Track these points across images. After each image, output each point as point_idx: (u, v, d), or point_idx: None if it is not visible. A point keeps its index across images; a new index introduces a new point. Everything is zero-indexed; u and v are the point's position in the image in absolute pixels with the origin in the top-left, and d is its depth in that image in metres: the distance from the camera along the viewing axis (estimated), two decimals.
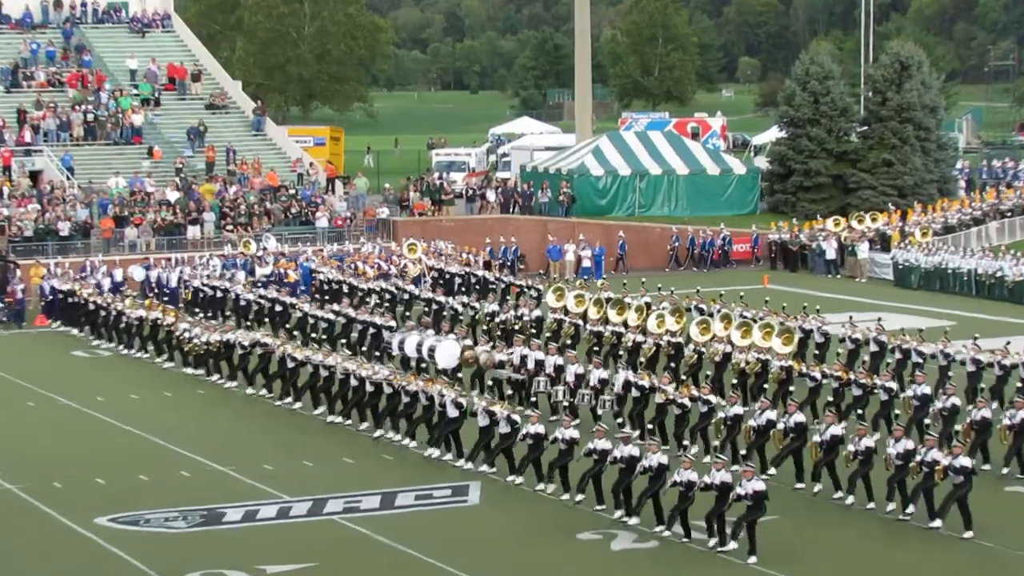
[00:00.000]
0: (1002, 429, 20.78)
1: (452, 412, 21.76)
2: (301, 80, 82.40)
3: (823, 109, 49.64)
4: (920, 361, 24.86)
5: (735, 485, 17.59)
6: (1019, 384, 22.36)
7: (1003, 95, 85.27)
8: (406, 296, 33.76)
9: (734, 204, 48.39)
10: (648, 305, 29.49)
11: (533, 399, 23.00)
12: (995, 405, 22.76)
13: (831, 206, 48.10)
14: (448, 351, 25.55)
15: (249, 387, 27.15)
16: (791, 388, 23.02)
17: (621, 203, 47.41)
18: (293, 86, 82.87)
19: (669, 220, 45.91)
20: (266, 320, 32.23)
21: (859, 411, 22.14)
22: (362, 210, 44.03)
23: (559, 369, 24.26)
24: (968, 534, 18.26)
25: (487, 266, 38.91)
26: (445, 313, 31.26)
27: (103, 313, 32.83)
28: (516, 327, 28.82)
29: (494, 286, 35.10)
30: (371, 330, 28.71)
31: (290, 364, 25.79)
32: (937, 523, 18.45)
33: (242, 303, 33.38)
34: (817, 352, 26.68)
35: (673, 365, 25.95)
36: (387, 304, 32.86)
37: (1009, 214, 46.42)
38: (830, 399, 21.93)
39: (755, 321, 27.17)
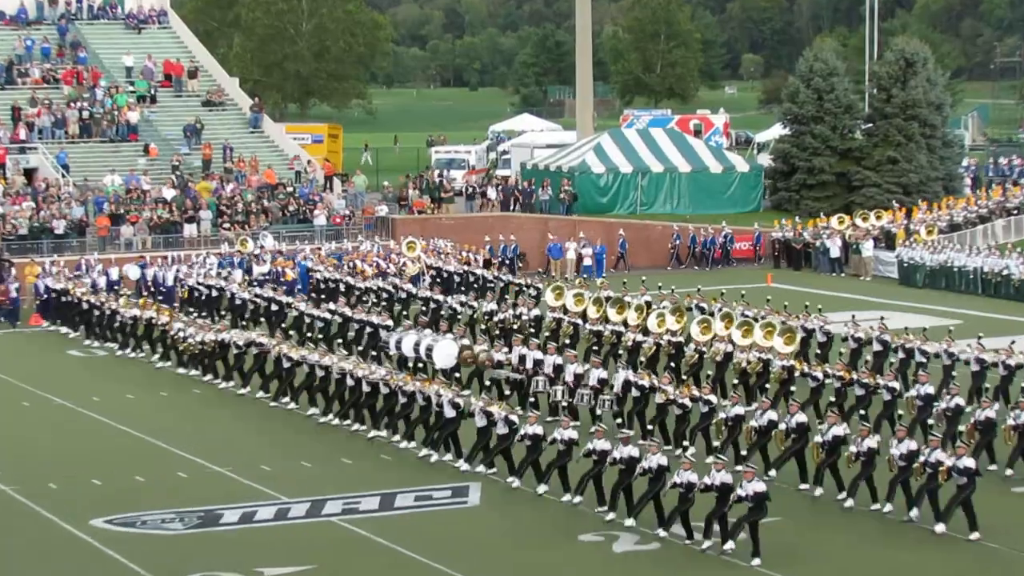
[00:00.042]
0: (1006, 429, 20.66)
1: (449, 412, 21.58)
2: (299, 77, 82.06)
3: (827, 106, 49.45)
4: (924, 360, 24.67)
5: (736, 486, 17.45)
6: None
7: (1009, 92, 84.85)
8: (403, 295, 33.54)
9: (737, 202, 48.21)
10: (648, 304, 29.30)
11: (532, 399, 22.87)
12: (998, 406, 22.32)
13: (835, 204, 47.94)
14: (445, 351, 25.40)
15: (242, 388, 26.94)
16: (792, 388, 22.89)
17: (623, 201, 47.24)
18: (291, 83, 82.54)
19: (671, 218, 45.75)
20: (261, 319, 32.00)
21: (861, 411, 21.97)
22: (361, 208, 43.87)
23: (558, 369, 24.10)
24: (975, 535, 18.15)
25: (487, 264, 38.64)
26: (443, 312, 31.02)
27: (97, 312, 32.62)
28: (514, 326, 28.64)
29: (492, 285, 34.83)
30: (368, 329, 28.53)
31: (286, 364, 25.59)
32: (941, 527, 18.28)
33: (237, 302, 33.15)
34: (819, 352, 26.49)
35: (673, 365, 25.75)
36: (384, 303, 32.65)
37: (1015, 212, 46.29)
38: (832, 399, 21.84)
39: (756, 320, 26.98)
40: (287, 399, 25.77)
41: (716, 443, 20.50)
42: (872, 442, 18.99)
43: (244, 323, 31.84)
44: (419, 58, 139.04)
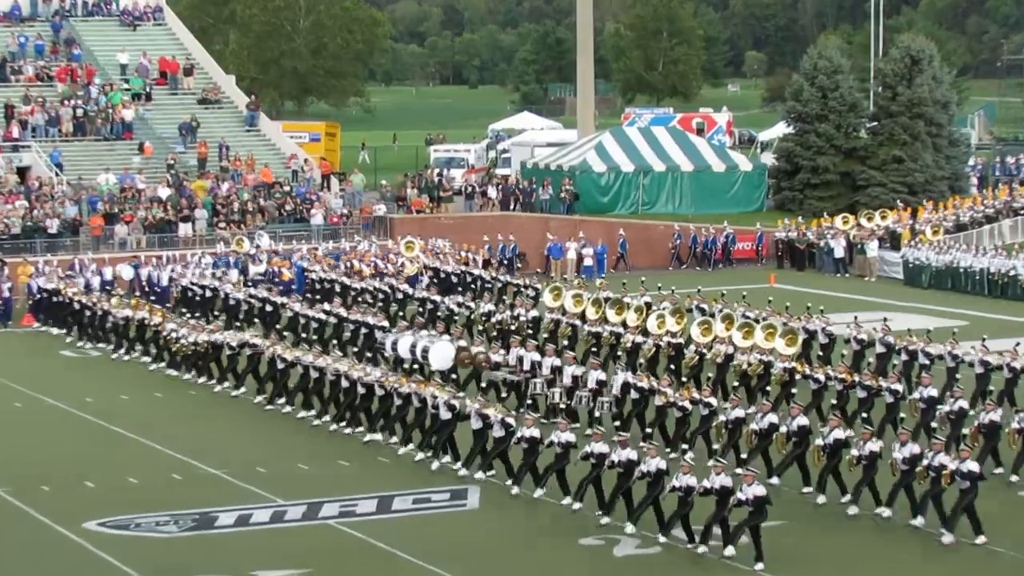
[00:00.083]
0: (1011, 433, 20.53)
1: (445, 415, 21.41)
2: (296, 74, 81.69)
3: (831, 104, 49.20)
4: (927, 363, 24.64)
5: (735, 489, 17.34)
6: None
7: (1016, 90, 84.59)
8: (400, 296, 33.30)
9: (740, 201, 47.94)
10: (648, 305, 29.18)
11: (529, 401, 22.80)
12: (1001, 411, 22.04)
13: (839, 204, 47.71)
14: (442, 352, 25.19)
15: (235, 389, 26.77)
16: (794, 390, 22.78)
17: (624, 200, 46.94)
18: (288, 80, 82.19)
19: (673, 218, 45.55)
20: (255, 320, 31.79)
21: (864, 414, 21.77)
22: (358, 207, 43.67)
23: (556, 370, 23.94)
24: (980, 539, 18.03)
25: (486, 264, 38.29)
26: (440, 313, 30.82)
27: (88, 313, 32.43)
28: (512, 327, 28.50)
29: (490, 285, 34.57)
30: (363, 330, 28.35)
31: (280, 365, 25.43)
32: (949, 539, 18.08)
33: (231, 302, 32.95)
34: (821, 353, 26.31)
35: (673, 367, 25.57)
36: (380, 304, 32.48)
37: (1023, 212, 46.09)
38: (834, 402, 21.84)
39: (758, 322, 26.83)
40: (282, 401, 25.54)
41: (716, 446, 20.35)
42: (874, 445, 18.86)
43: (238, 324, 31.52)
44: (418, 55, 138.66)
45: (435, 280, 36.20)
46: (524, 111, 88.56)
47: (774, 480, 20.09)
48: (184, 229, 40.31)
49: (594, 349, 26.76)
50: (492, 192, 46.31)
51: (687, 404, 21.40)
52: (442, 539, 18.53)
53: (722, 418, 20.95)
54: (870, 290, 39.06)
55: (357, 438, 23.27)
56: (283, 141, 48.15)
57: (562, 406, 23.31)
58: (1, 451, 23.26)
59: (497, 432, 20.43)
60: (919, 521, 18.47)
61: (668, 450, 21.35)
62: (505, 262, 40.17)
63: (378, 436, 22.89)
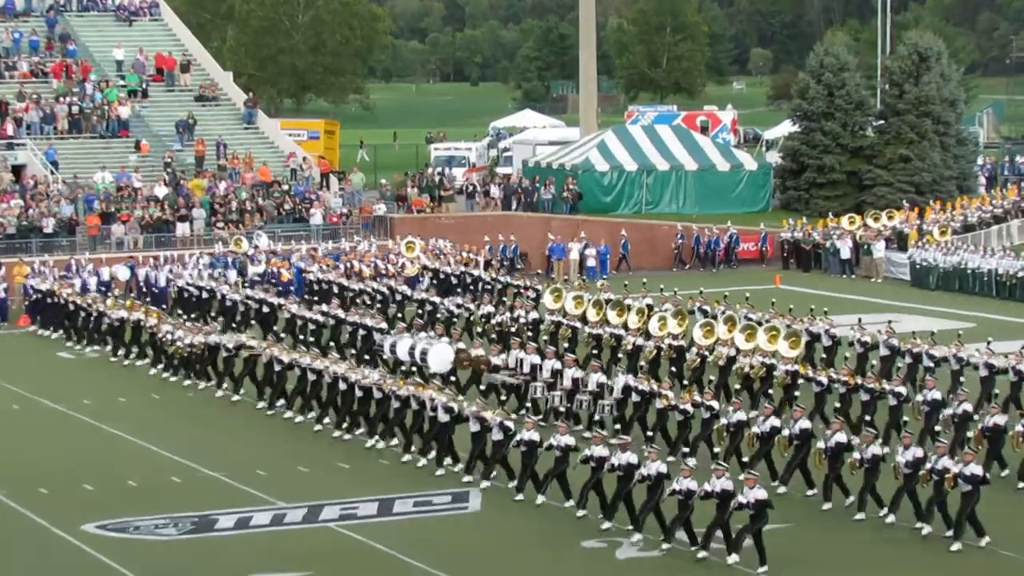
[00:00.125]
0: (1015, 436, 20.46)
1: (443, 417, 21.26)
2: (295, 71, 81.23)
3: (838, 102, 48.80)
4: (931, 365, 24.44)
5: (736, 493, 17.26)
6: None
7: None
8: (399, 297, 33.03)
9: (745, 201, 47.57)
10: (650, 307, 29.02)
11: (528, 404, 22.88)
12: (1006, 415, 21.92)
13: (846, 203, 47.35)
14: (441, 355, 24.96)
15: (235, 395, 26.54)
16: (796, 393, 22.68)
17: (627, 200, 46.59)
18: (286, 77, 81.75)
19: (677, 217, 45.27)
20: (253, 322, 31.55)
21: (867, 417, 21.82)
22: (358, 207, 43.31)
23: (557, 373, 23.76)
24: (984, 541, 18.01)
25: (487, 265, 37.87)
26: (439, 315, 30.56)
27: (83, 314, 32.19)
28: (512, 329, 28.32)
29: (490, 286, 34.23)
30: (361, 332, 28.10)
31: (277, 368, 25.25)
32: (957, 546, 17.98)
33: (228, 304, 32.65)
34: (824, 356, 26.08)
35: (674, 369, 25.35)
36: (379, 305, 32.26)
37: None
38: (838, 405, 21.77)
39: (760, 324, 26.60)
40: (282, 403, 25.33)
41: (717, 449, 20.30)
42: (877, 449, 18.82)
43: (235, 325, 31.23)
44: (418, 52, 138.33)
45: (434, 281, 35.84)
46: (526, 109, 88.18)
47: (782, 489, 19.97)
48: (182, 229, 40.03)
49: (595, 351, 26.70)
50: (495, 191, 45.87)
51: (688, 407, 21.32)
52: (443, 542, 18.51)
53: (723, 421, 20.83)
54: (876, 291, 38.85)
55: (358, 441, 23.11)
56: (281, 139, 47.92)
57: (562, 409, 23.17)
58: None
59: (496, 435, 20.35)
60: (927, 530, 18.37)
61: (670, 454, 21.16)
62: (505, 263, 39.79)
63: (380, 444, 22.67)
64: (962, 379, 23.62)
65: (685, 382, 24.33)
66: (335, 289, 33.62)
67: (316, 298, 32.53)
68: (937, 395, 21.81)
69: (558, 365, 23.89)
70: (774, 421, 20.21)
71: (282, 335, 28.05)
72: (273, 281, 35.86)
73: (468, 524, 19.38)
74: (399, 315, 31.73)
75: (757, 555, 17.19)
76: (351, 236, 40.76)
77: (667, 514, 17.97)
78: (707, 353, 25.56)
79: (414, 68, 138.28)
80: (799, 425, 19.77)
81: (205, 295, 33.51)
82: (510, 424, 20.45)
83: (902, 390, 22.08)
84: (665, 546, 17.83)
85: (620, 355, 26.35)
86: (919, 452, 18.54)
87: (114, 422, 24.91)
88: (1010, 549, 17.98)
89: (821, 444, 19.38)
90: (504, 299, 32.47)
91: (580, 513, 19.12)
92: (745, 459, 20.31)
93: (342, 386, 23.37)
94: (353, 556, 18.08)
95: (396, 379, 22.89)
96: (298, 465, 21.97)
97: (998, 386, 23.39)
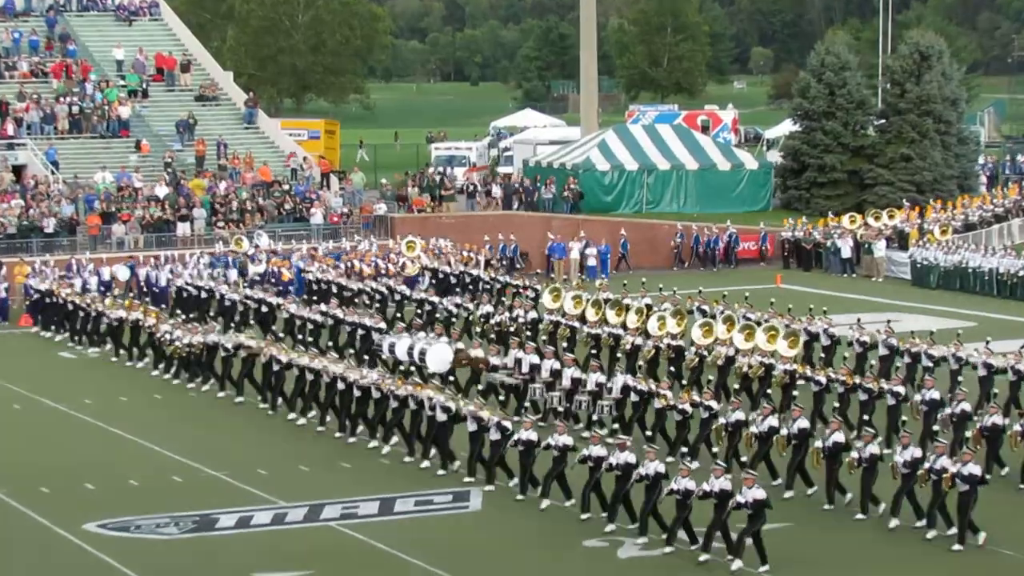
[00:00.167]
0: (1013, 435, 20.44)
1: (441, 416, 21.24)
2: (295, 71, 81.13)
3: (839, 102, 48.76)
4: (930, 365, 24.37)
5: (734, 493, 17.17)
6: None
7: None
8: (397, 297, 32.97)
9: (745, 200, 47.51)
10: (649, 306, 28.94)
11: (527, 404, 22.82)
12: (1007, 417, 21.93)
13: (846, 203, 47.31)
14: (440, 355, 24.84)
15: (238, 396, 26.45)
16: (795, 393, 22.59)
17: (628, 199, 46.54)
18: (286, 77, 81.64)
19: (678, 217, 45.20)
20: (251, 322, 31.49)
21: (865, 416, 21.81)
22: (359, 206, 43.22)
23: (556, 373, 23.72)
24: (981, 537, 18.00)
25: (487, 265, 37.87)
26: (438, 315, 30.50)
27: (82, 314, 32.13)
28: (511, 329, 28.23)
29: (489, 286, 34.19)
30: (360, 332, 28.04)
31: (275, 367, 25.17)
32: (959, 547, 17.96)
33: (227, 303, 32.60)
34: (823, 355, 25.99)
35: (673, 369, 25.31)
36: (378, 305, 32.17)
37: None
38: (836, 405, 21.73)
39: (759, 324, 26.55)
40: (280, 403, 25.24)
41: (715, 449, 20.30)
42: (875, 448, 18.73)
43: (234, 325, 31.22)
44: (418, 51, 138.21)
45: (433, 281, 35.81)
46: (526, 108, 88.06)
47: (788, 494, 19.94)
48: (182, 228, 39.98)
49: (593, 351, 26.59)
50: (496, 191, 45.82)
51: (687, 407, 21.27)
52: (444, 541, 18.46)
53: (722, 420, 20.78)
54: (877, 291, 38.79)
55: (359, 441, 23.07)
56: (282, 139, 47.86)
57: (560, 409, 23.10)
58: (0, 453, 23.12)
59: (493, 435, 20.30)
60: (931, 534, 18.29)
61: (669, 455, 21.12)
62: (505, 262, 39.72)
63: (386, 449, 22.56)
64: (960, 379, 23.59)
65: (684, 382, 24.29)
66: (334, 289, 33.56)
67: (315, 298, 32.44)
68: (936, 395, 21.71)
69: (557, 365, 23.81)
70: (772, 421, 20.15)
71: (280, 335, 27.95)
72: (273, 281, 35.82)
73: (469, 523, 19.33)
74: (398, 315, 31.68)
75: (758, 555, 17.16)
76: (352, 236, 40.69)
77: (666, 515, 17.90)
78: (706, 353, 25.48)
79: (414, 68, 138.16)
80: (797, 425, 19.73)
81: (204, 295, 33.44)
82: (507, 424, 20.39)
83: (901, 390, 22.00)
84: (668, 549, 17.77)
85: (619, 355, 26.29)
86: (917, 452, 18.51)
87: (115, 421, 24.87)
88: (1010, 549, 17.96)
89: (818, 444, 19.38)
90: (503, 299, 32.38)
91: (584, 516, 19.04)
92: (744, 459, 20.27)
93: (340, 386, 23.30)
94: (354, 555, 18.05)
95: (395, 379, 22.85)
96: (299, 464, 21.94)
97: (997, 386, 23.29)
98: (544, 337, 28.23)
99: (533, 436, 19.66)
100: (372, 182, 49.63)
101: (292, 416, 24.78)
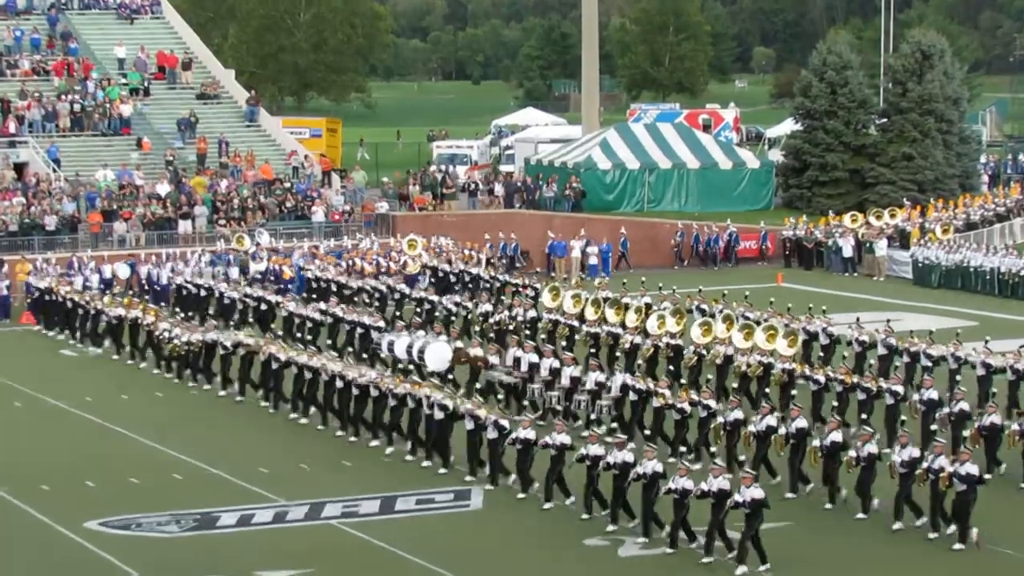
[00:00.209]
0: (1011, 435, 20.47)
1: (438, 415, 21.28)
2: (296, 69, 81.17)
3: (841, 101, 48.72)
4: (929, 364, 24.38)
5: (733, 492, 17.13)
6: None
7: None
8: (397, 295, 32.94)
9: (747, 199, 47.47)
10: (648, 305, 28.89)
11: (526, 403, 22.78)
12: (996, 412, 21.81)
13: (848, 202, 47.29)
14: (439, 353, 24.83)
15: (240, 395, 26.48)
16: (794, 392, 22.64)
17: (629, 198, 46.50)
18: (288, 75, 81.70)
19: (679, 216, 45.13)
20: (250, 320, 31.47)
21: (863, 415, 21.78)
22: (360, 205, 43.18)
23: (554, 372, 23.69)
24: (974, 532, 18.00)
25: (488, 263, 37.87)
26: (437, 313, 30.47)
27: (81, 312, 32.13)
28: (510, 328, 28.19)
29: (488, 285, 34.13)
30: (359, 330, 28.03)
31: (274, 366, 25.16)
32: (960, 546, 18.01)
33: (226, 302, 32.64)
34: (822, 355, 25.96)
35: (672, 367, 25.30)
36: (377, 303, 32.16)
37: None
38: (835, 404, 21.68)
39: (759, 323, 26.52)
40: (283, 402, 25.22)
41: (714, 448, 20.25)
42: (873, 447, 18.73)
43: (233, 323, 31.08)
44: (420, 50, 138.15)
45: (432, 280, 35.79)
46: (528, 107, 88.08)
47: (790, 495, 19.90)
48: (184, 226, 39.98)
49: (593, 350, 26.54)
50: (497, 189, 45.82)
51: (686, 406, 21.23)
52: (445, 540, 18.46)
53: (720, 420, 20.77)
54: (879, 290, 38.76)
55: (360, 439, 23.08)
56: (283, 137, 47.83)
57: (559, 408, 23.08)
58: (1, 451, 23.14)
59: (491, 434, 20.29)
60: (933, 536, 18.27)
61: (670, 454, 21.08)
62: (505, 260, 39.70)
63: (389, 451, 22.56)
64: (958, 378, 23.61)
65: (682, 381, 24.23)
66: (334, 287, 33.57)
67: (315, 296, 32.40)
68: (934, 394, 21.75)
69: (556, 364, 23.80)
70: (771, 420, 20.11)
71: (279, 333, 27.89)
72: (274, 279, 35.81)
73: (470, 522, 19.31)
74: (397, 314, 31.65)
75: (758, 555, 17.13)
76: (353, 234, 40.68)
77: (663, 515, 17.89)
78: (704, 352, 25.45)
79: (415, 66, 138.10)
80: (796, 424, 19.70)
81: (204, 293, 33.45)
82: (505, 422, 20.37)
83: (899, 389, 22.01)
84: (669, 551, 17.75)
85: (618, 354, 26.25)
86: (915, 451, 18.48)
87: (116, 419, 24.88)
88: (1010, 548, 17.95)
89: (816, 443, 19.37)
90: (503, 297, 32.35)
91: (585, 516, 19.00)
92: (742, 458, 20.20)
93: (339, 384, 23.29)
94: (355, 554, 18.04)
95: (393, 377, 22.84)
96: (300, 463, 21.95)
97: (995, 385, 23.23)
98: (543, 336, 28.18)
99: (531, 435, 19.65)
100: (374, 180, 49.61)
101: (294, 416, 24.72)
